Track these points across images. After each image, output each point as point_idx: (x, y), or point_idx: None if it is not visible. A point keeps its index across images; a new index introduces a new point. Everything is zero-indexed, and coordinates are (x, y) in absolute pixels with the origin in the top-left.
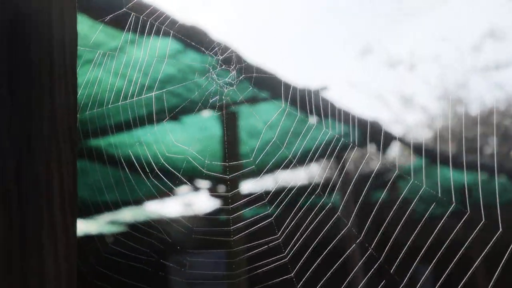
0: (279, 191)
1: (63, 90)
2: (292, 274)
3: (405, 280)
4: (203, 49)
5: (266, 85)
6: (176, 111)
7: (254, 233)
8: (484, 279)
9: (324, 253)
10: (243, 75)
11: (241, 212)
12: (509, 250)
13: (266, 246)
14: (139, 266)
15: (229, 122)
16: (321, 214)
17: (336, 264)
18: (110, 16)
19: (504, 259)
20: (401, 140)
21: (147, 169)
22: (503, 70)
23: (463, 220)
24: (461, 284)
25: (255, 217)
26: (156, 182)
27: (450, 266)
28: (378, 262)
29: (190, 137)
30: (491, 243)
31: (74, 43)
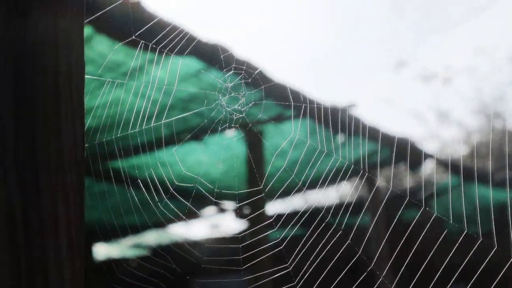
0: (307, 212)
1: (70, 123)
2: None
3: None
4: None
5: (292, 103)
6: (199, 131)
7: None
8: None
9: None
10: (252, 102)
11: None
12: None
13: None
14: None
15: (254, 142)
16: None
17: None
18: (129, 38)
19: None
20: (432, 156)
21: (170, 189)
22: None
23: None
24: None
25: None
26: (177, 203)
27: None
28: None
29: (213, 157)
30: None
31: (81, 76)
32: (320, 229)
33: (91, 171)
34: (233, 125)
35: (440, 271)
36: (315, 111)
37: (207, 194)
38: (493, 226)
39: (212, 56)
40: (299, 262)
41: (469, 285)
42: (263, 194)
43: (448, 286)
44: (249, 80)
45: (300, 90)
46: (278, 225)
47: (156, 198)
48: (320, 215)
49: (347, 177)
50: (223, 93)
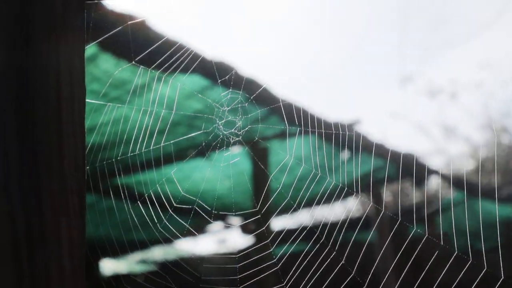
0: (316, 227)
1: (72, 146)
2: None
3: None
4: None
5: (297, 119)
6: (205, 147)
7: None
8: None
9: None
10: (248, 125)
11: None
12: None
13: None
14: None
15: (259, 158)
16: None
17: None
18: (140, 56)
19: None
20: (438, 173)
21: (173, 205)
22: None
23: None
24: None
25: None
26: (187, 219)
27: None
28: None
29: (218, 173)
30: None
31: (82, 101)
32: (315, 248)
33: (99, 188)
34: (230, 147)
35: None
36: (319, 128)
37: (205, 214)
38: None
39: (217, 74)
40: (295, 282)
41: None
42: (260, 216)
43: None
44: (251, 99)
45: (305, 106)
46: (275, 245)
47: (161, 214)
48: (316, 235)
49: (343, 196)
50: (220, 117)
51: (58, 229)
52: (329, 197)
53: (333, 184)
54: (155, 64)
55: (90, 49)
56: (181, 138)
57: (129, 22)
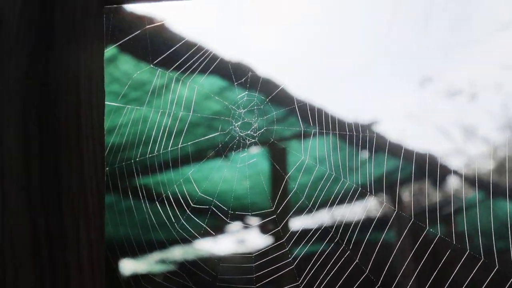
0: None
1: (91, 149)
2: None
3: None
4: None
5: (317, 120)
6: (223, 148)
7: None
8: None
9: None
10: (265, 127)
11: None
12: None
13: None
14: None
15: (277, 158)
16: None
17: None
18: (159, 58)
19: None
20: (457, 173)
21: (191, 205)
22: None
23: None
24: None
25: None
26: (204, 219)
27: None
28: None
29: (236, 174)
30: None
31: (102, 103)
32: (330, 248)
33: (119, 189)
34: (246, 149)
35: None
36: (337, 128)
37: (222, 214)
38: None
39: (235, 75)
40: (310, 280)
41: None
42: (275, 216)
43: None
44: (267, 101)
45: (323, 107)
46: (290, 244)
47: (179, 214)
48: (331, 234)
49: (360, 196)
50: (237, 118)
51: (78, 230)
52: (346, 198)
53: (349, 185)
54: (174, 66)
55: (110, 50)
56: (199, 140)
57: (147, 26)
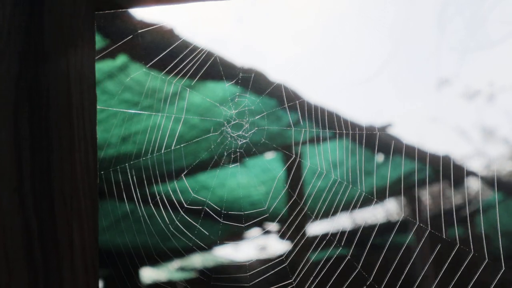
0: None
1: (83, 152)
2: None
3: None
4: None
5: (330, 124)
6: (239, 154)
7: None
8: None
9: None
10: (278, 131)
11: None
12: None
13: None
14: None
15: (292, 163)
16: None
17: None
18: (170, 65)
19: None
20: (476, 174)
21: (205, 210)
22: None
23: None
24: None
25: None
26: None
27: None
28: None
29: (253, 179)
30: None
31: (93, 106)
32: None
33: (135, 196)
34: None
35: None
36: (353, 131)
37: (238, 220)
38: None
39: (247, 81)
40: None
41: None
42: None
43: None
44: (282, 105)
45: (339, 111)
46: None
47: (192, 221)
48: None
49: (376, 201)
50: (251, 123)
51: (71, 232)
52: (361, 203)
53: (364, 190)
54: (184, 72)
55: (120, 58)
56: (214, 146)
57: (157, 31)
